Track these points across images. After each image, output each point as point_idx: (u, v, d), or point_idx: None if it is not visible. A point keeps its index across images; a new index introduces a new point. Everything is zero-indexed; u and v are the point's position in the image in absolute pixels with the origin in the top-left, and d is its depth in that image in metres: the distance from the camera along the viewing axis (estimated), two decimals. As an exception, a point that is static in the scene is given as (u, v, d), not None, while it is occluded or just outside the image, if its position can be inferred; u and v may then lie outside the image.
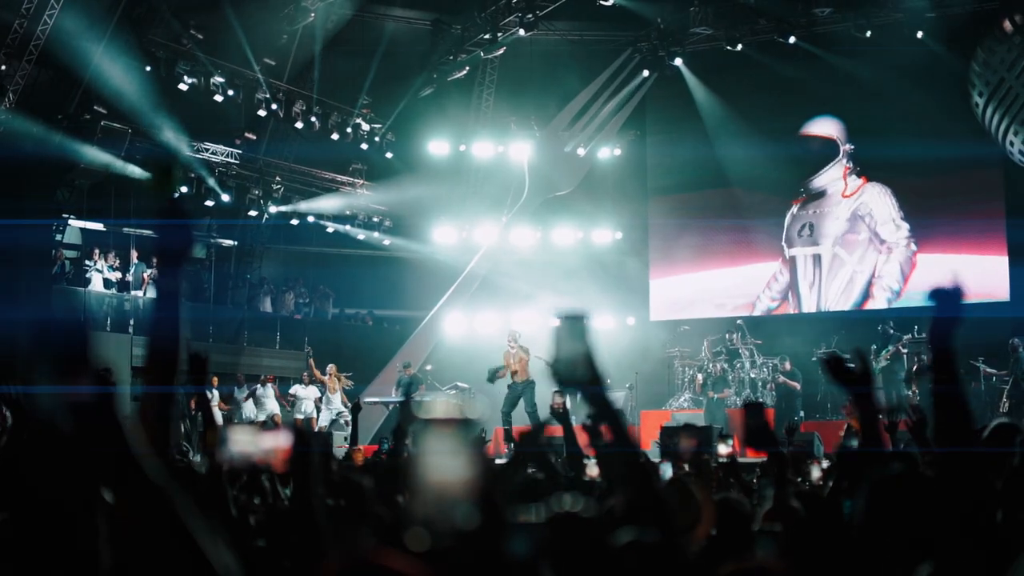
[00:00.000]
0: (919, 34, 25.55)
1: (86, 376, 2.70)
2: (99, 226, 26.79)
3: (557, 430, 8.65)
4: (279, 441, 3.82)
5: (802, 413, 24.97)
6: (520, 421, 22.24)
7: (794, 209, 28.62)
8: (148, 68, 24.30)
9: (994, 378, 23.86)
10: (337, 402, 25.14)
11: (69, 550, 2.85)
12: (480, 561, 2.38)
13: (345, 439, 22.49)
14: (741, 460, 9.16)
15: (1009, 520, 4.54)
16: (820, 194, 27.96)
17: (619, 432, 3.68)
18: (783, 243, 28.94)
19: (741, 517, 5.02)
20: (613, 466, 4.07)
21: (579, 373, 3.44)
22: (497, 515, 2.45)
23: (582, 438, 7.12)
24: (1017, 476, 5.65)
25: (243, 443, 4.15)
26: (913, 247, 27.26)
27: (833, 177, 27.65)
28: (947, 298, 3.86)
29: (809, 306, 28.14)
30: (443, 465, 2.36)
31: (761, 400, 24.02)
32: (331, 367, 25.12)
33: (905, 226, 27.33)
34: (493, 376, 22.38)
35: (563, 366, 3.43)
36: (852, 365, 4.48)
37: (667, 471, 8.02)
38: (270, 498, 5.45)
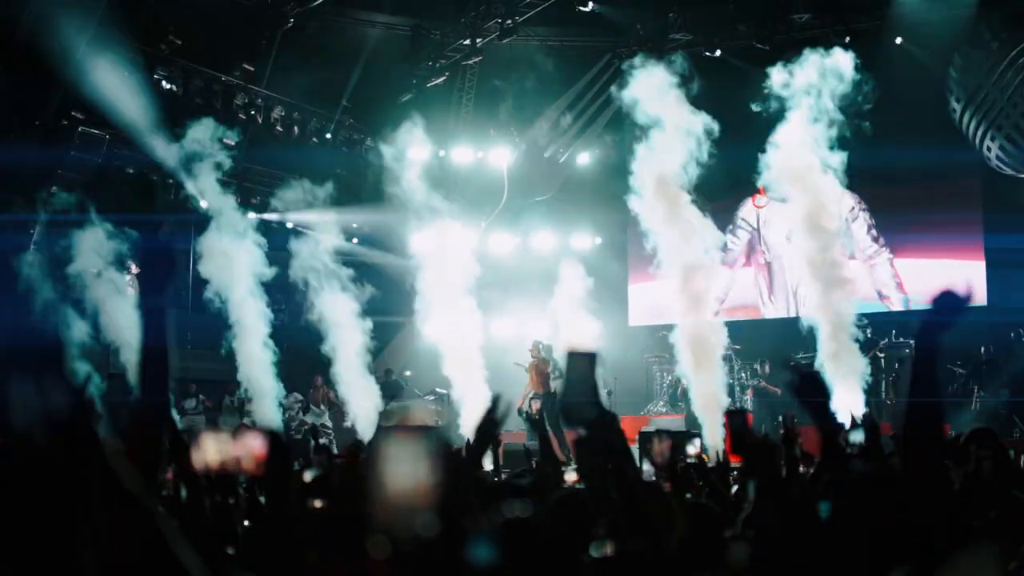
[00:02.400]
0: (898, 40, 25.63)
1: (60, 387, 2.70)
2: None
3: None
4: (253, 446, 3.82)
5: (780, 418, 25.04)
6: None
7: (760, 213, 28.71)
8: (126, 74, 24.21)
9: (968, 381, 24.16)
10: (324, 413, 25.15)
11: (52, 561, 2.85)
12: (441, 568, 2.39)
13: (324, 445, 22.47)
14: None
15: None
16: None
17: (619, 470, 3.73)
18: (760, 246, 29.04)
19: (713, 522, 5.04)
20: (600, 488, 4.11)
21: (586, 413, 3.46)
22: (457, 523, 2.46)
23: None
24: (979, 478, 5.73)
25: (216, 449, 4.14)
26: (888, 255, 27.50)
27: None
28: (950, 304, 3.93)
29: (793, 310, 28.17)
30: (404, 473, 2.36)
31: (743, 406, 24.09)
32: (317, 378, 25.15)
33: (880, 237, 27.61)
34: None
35: (572, 404, 3.45)
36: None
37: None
38: (244, 503, 5.44)
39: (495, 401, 4.59)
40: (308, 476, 6.84)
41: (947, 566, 3.35)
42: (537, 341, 24.57)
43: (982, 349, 24.52)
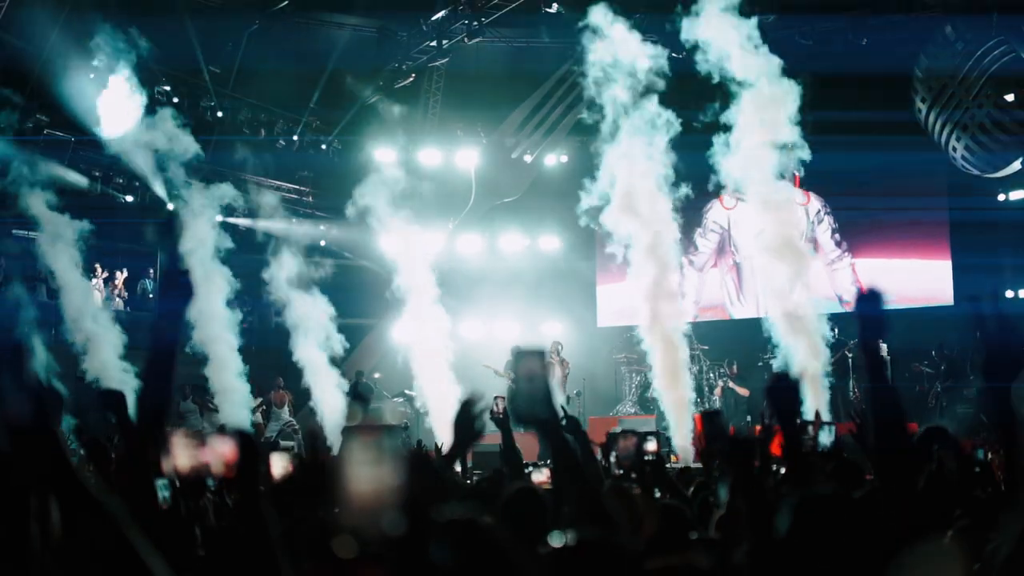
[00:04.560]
0: (864, 41, 25.74)
1: (22, 391, 2.68)
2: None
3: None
4: (224, 449, 3.80)
5: (749, 418, 25.11)
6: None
7: (730, 215, 28.80)
8: (92, 76, 24.08)
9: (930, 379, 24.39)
10: (285, 413, 25.05)
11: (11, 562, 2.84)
12: (409, 567, 2.39)
13: (291, 449, 22.42)
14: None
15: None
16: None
17: (575, 468, 3.72)
18: (730, 247, 29.13)
19: (682, 522, 5.05)
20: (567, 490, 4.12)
21: (538, 411, 3.44)
22: (424, 521, 2.46)
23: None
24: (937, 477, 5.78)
25: (186, 452, 4.13)
26: (851, 260, 27.70)
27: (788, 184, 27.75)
28: (871, 302, 4.01)
29: (761, 311, 28.23)
30: (368, 472, 2.36)
31: (713, 407, 24.15)
32: (279, 380, 25.06)
33: (844, 242, 27.83)
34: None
35: (522, 404, 3.43)
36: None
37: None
38: (210, 505, 5.43)
39: (470, 401, 4.56)
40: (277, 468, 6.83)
41: (906, 558, 3.36)
42: (556, 342, 24.65)
43: (937, 349, 24.68)
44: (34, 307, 22.78)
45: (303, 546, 3.83)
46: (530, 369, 3.45)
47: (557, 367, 23.87)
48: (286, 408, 25.12)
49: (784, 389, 4.52)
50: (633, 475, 7.25)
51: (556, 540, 3.35)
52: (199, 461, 4.00)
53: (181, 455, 4.08)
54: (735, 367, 25.83)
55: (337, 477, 2.39)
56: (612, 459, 8.38)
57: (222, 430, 3.81)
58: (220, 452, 3.84)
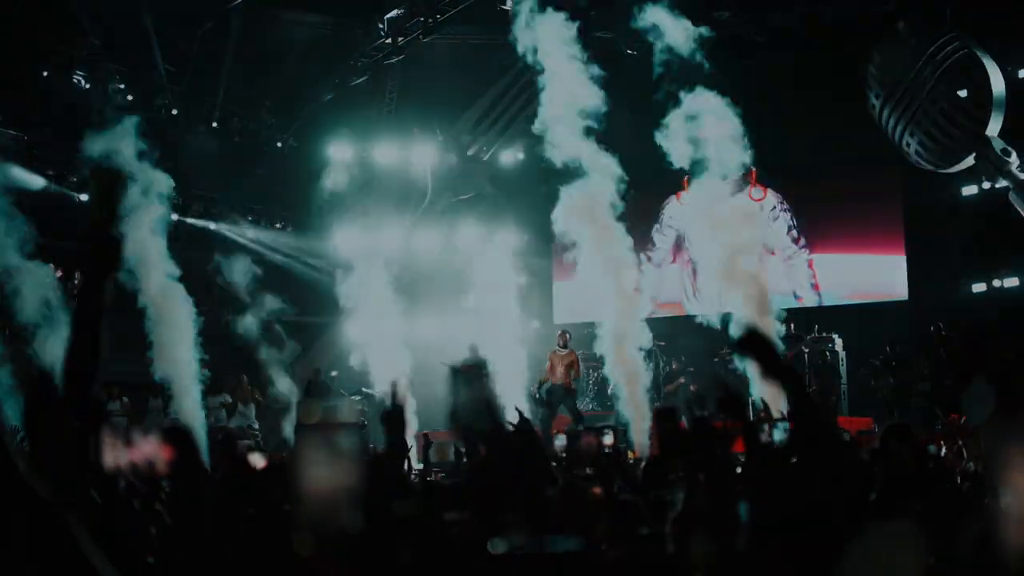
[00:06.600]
0: (818, 37, 25.87)
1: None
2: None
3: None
4: (155, 447, 3.74)
5: (705, 412, 25.15)
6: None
7: (686, 211, 28.82)
8: (45, 73, 23.91)
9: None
10: (250, 412, 24.93)
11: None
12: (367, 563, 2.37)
13: (250, 447, 22.32)
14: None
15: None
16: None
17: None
18: (686, 243, 29.18)
19: (634, 519, 5.05)
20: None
21: (480, 424, 3.42)
22: (381, 517, 2.44)
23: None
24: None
25: (112, 454, 4.06)
26: (807, 255, 27.82)
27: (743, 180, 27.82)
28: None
29: (716, 306, 28.29)
30: (326, 470, 2.34)
31: (671, 406, 24.18)
32: (242, 377, 24.94)
33: (800, 237, 27.94)
34: (542, 391, 22.51)
35: (464, 416, 3.40)
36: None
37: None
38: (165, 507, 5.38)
39: (393, 389, 4.50)
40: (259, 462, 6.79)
41: (866, 538, 3.37)
42: (565, 330, 24.56)
43: (890, 344, 24.80)
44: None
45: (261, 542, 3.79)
46: (468, 383, 3.42)
47: (559, 361, 23.79)
48: (251, 406, 24.98)
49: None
50: (589, 471, 7.27)
51: (498, 546, 3.33)
52: (124, 462, 3.94)
53: (108, 455, 4.01)
54: (678, 364, 25.92)
55: (295, 475, 2.37)
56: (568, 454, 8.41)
57: (158, 429, 3.75)
58: (148, 452, 3.78)
